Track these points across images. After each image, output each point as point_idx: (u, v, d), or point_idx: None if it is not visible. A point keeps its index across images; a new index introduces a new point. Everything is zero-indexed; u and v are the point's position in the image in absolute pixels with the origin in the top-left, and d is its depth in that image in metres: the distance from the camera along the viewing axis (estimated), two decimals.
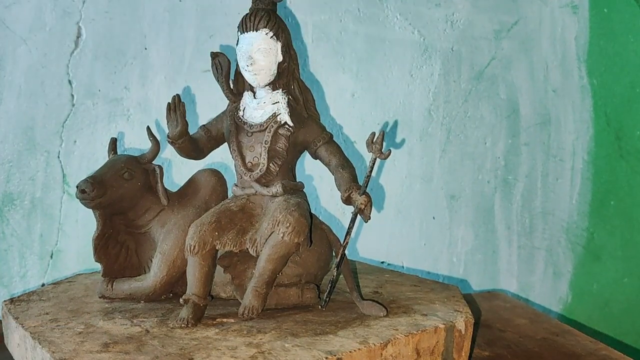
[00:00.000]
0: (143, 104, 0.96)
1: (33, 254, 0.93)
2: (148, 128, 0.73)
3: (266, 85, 0.69)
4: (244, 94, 0.71)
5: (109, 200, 0.69)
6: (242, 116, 0.70)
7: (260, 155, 0.68)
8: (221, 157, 0.85)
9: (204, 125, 0.73)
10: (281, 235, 0.63)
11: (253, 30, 0.67)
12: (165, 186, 0.73)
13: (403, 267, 1.13)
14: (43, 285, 0.94)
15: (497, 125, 1.16)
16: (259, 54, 0.67)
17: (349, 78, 1.06)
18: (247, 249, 0.66)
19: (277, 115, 0.68)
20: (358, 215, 0.67)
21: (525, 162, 1.19)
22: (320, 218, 0.72)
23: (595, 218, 1.22)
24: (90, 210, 0.71)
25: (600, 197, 1.22)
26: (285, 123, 0.68)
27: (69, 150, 0.94)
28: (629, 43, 1.17)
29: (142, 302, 0.71)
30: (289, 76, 0.70)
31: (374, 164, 0.67)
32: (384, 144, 0.67)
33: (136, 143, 0.95)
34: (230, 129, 0.70)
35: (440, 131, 1.13)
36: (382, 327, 0.63)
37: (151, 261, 0.72)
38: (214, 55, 0.71)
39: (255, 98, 0.70)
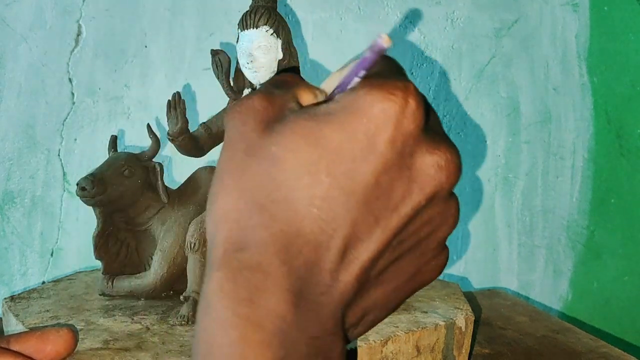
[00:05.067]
0: (143, 102, 0.96)
1: (33, 252, 0.93)
2: (148, 126, 0.73)
3: None
4: (244, 91, 0.71)
5: (109, 197, 0.69)
6: None
7: None
8: None
9: (204, 122, 0.73)
10: None
11: (253, 28, 0.67)
12: (166, 184, 0.73)
13: None
14: (43, 282, 0.94)
15: (498, 123, 1.16)
16: (259, 51, 0.67)
17: None
18: None
19: None
20: None
21: (526, 160, 1.19)
22: None
23: (595, 216, 1.22)
24: (91, 208, 0.71)
25: (601, 195, 1.21)
26: None
27: (70, 148, 0.94)
28: (629, 41, 1.16)
29: (143, 299, 0.71)
30: None
31: None
32: None
33: (136, 141, 0.95)
34: None
35: None
36: (382, 324, 0.63)
37: (151, 259, 0.72)
38: (214, 53, 0.71)
39: None
